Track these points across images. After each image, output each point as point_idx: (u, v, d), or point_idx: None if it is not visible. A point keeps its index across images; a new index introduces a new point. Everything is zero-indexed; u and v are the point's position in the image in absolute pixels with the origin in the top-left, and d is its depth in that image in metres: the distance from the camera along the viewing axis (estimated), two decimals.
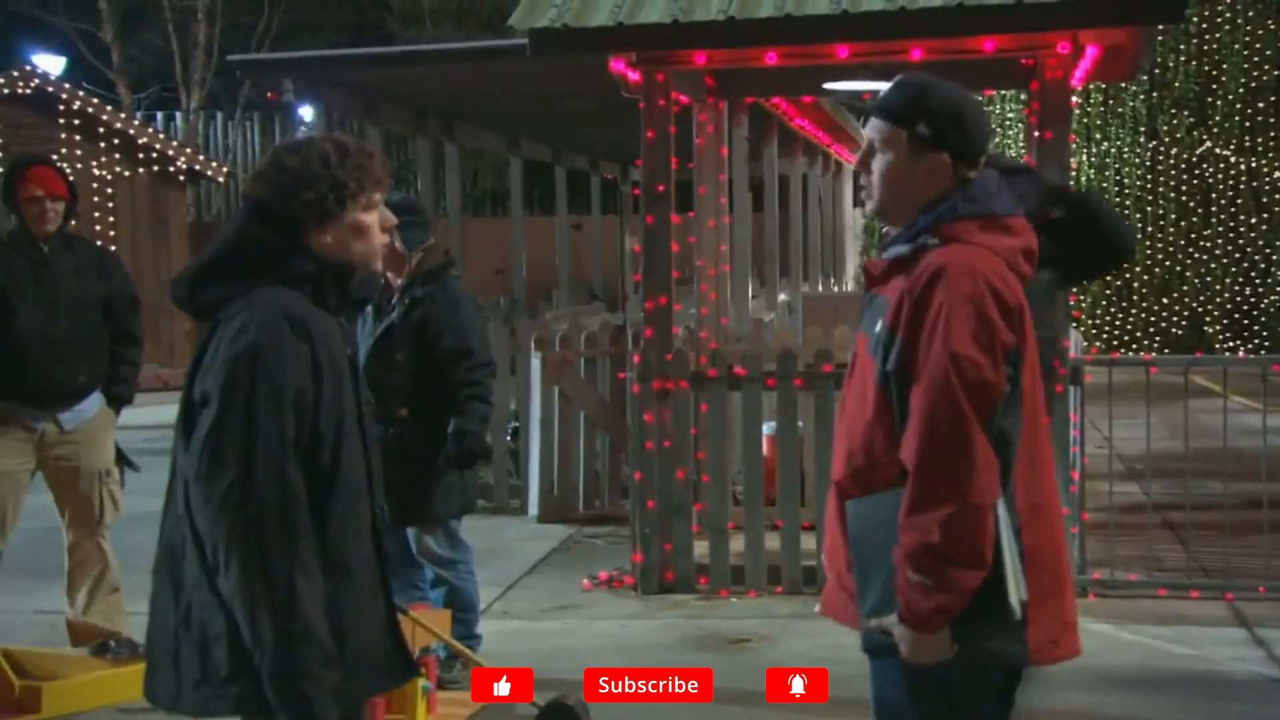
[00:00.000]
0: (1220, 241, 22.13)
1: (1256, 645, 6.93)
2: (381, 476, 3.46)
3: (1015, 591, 3.08)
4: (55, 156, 20.75)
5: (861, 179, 3.34)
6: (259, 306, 3.21)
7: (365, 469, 3.35)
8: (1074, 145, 19.65)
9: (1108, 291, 22.34)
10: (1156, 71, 21.83)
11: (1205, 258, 22.17)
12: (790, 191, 15.97)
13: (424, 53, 12.53)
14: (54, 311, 6.36)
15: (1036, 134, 7.87)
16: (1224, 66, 21.98)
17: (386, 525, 3.45)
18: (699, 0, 7.64)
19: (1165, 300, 22.25)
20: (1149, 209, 22.32)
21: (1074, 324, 15.34)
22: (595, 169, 19.89)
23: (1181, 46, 21.91)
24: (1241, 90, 21.95)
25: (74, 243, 6.59)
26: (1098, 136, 22.45)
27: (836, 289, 19.94)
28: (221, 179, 24.52)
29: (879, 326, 3.17)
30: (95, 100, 22.29)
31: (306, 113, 11.89)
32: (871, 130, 3.28)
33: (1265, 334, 21.93)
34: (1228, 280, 22.12)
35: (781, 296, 14.69)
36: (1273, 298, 22.00)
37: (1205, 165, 22.20)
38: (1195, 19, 21.53)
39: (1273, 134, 22.03)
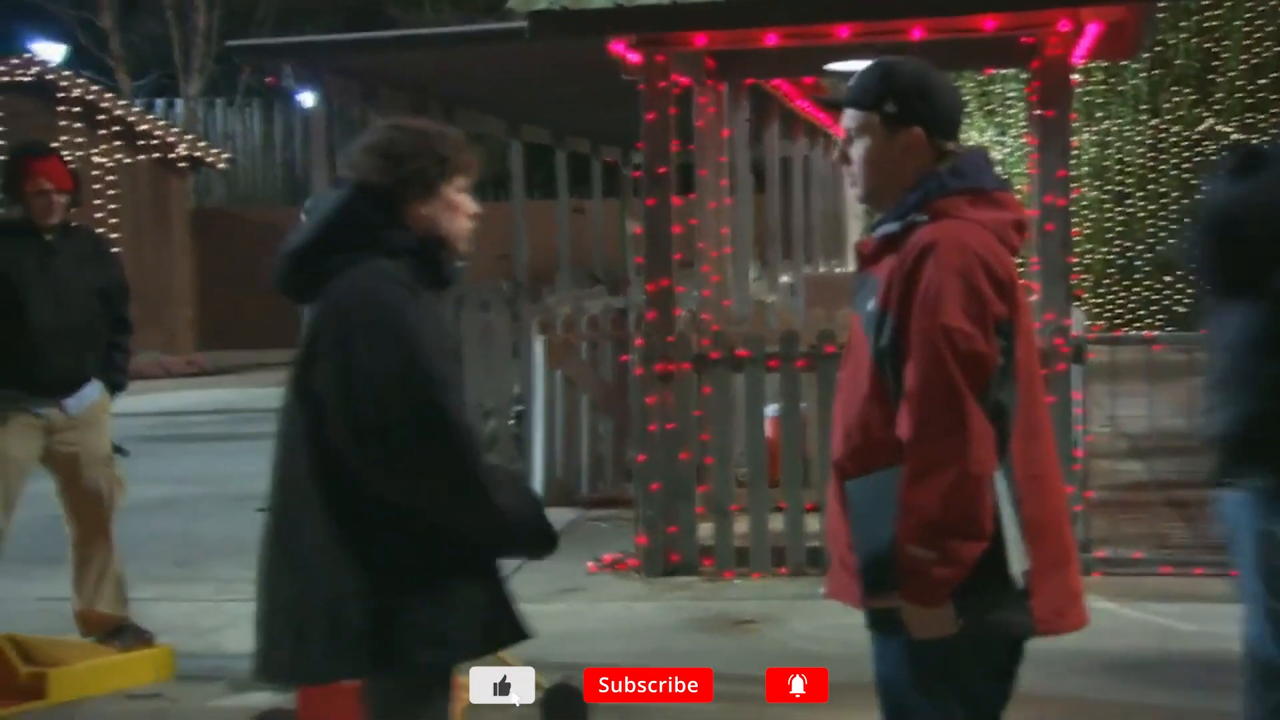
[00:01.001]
0: None
1: None
2: None
3: (1017, 562, 3.10)
4: (55, 144, 20.80)
5: (847, 172, 3.39)
6: (367, 272, 3.33)
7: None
8: (1075, 123, 19.62)
9: (1110, 269, 22.33)
10: (1158, 49, 21.76)
11: None
12: (792, 173, 15.94)
13: (424, 37, 12.52)
14: (60, 300, 6.37)
15: (1037, 112, 7.86)
16: (1225, 43, 21.93)
17: None
18: None
19: (1168, 278, 22.23)
20: (1150, 186, 22.28)
21: (1076, 302, 15.33)
22: (596, 152, 19.85)
23: (1182, 23, 21.84)
24: (1243, 67, 21.90)
25: (73, 231, 6.59)
26: (1099, 114, 22.40)
27: (839, 270, 19.90)
28: (222, 165, 24.51)
29: (871, 304, 3.20)
30: (95, 88, 22.30)
31: (306, 98, 11.86)
32: (846, 122, 3.33)
33: None
34: None
35: (784, 278, 14.67)
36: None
37: (1207, 142, 22.15)
38: None
39: (1274, 111, 21.97)
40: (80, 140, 21.26)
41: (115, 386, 6.63)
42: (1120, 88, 22.32)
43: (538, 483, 10.28)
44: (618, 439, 10.26)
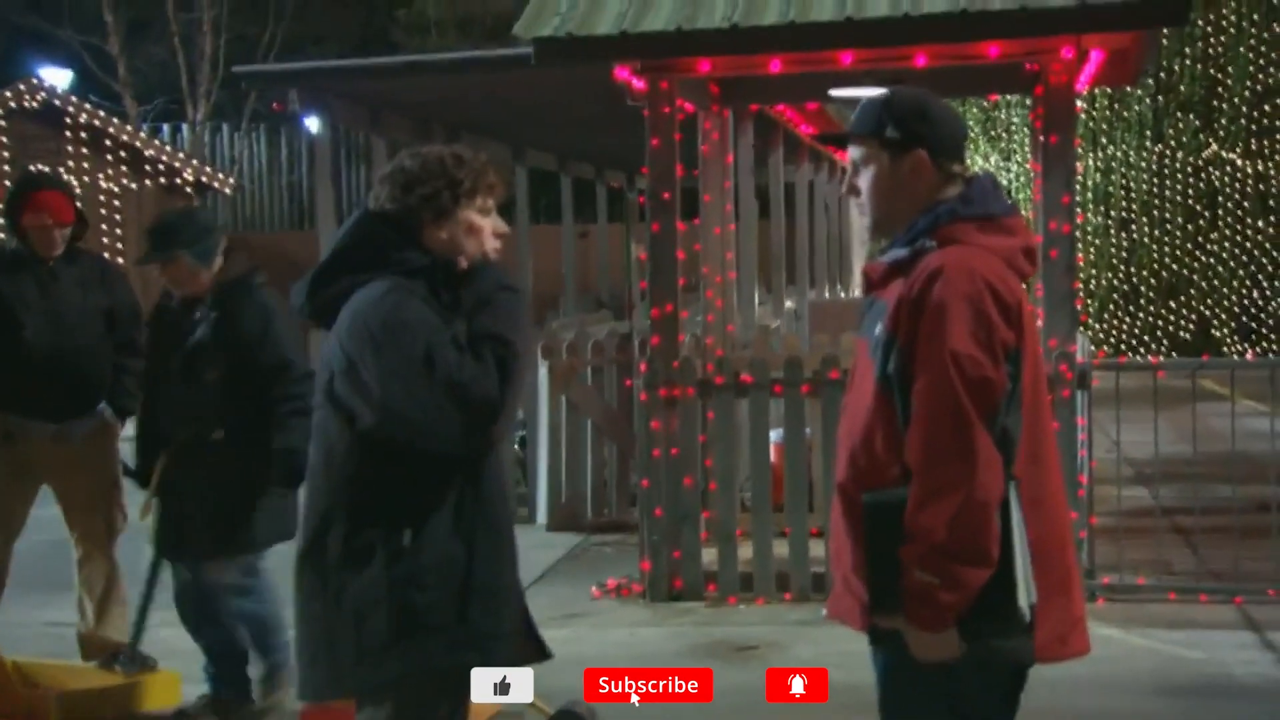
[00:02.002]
0: (1227, 245, 22.11)
1: (1267, 649, 6.92)
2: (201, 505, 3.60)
3: (1025, 595, 3.09)
4: (62, 169, 20.88)
5: (854, 203, 3.42)
6: (378, 284, 3.41)
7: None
8: (1080, 150, 19.66)
9: (1115, 295, 22.33)
10: (1162, 75, 21.81)
11: (1212, 261, 22.15)
12: (796, 198, 15.96)
13: (429, 63, 12.52)
14: (60, 324, 6.36)
15: (1042, 139, 7.87)
16: (1229, 70, 21.96)
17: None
18: (703, 8, 7.65)
19: (1173, 304, 22.23)
20: (1155, 213, 22.31)
21: (1081, 328, 15.34)
22: (601, 177, 19.89)
23: (1186, 50, 21.89)
24: (1247, 94, 21.93)
25: (77, 255, 6.56)
26: (1103, 141, 22.44)
27: (843, 296, 19.91)
28: (228, 190, 24.55)
29: (879, 329, 3.21)
30: (102, 113, 22.35)
31: (312, 123, 11.89)
32: (852, 154, 3.37)
33: (1273, 337, 21.91)
34: (1235, 283, 22.10)
35: (788, 303, 14.68)
36: None
37: (1211, 169, 22.18)
38: (1200, 22, 21.51)
39: (1279, 137, 22.00)
40: (87, 165, 21.32)
41: (123, 410, 6.61)
42: (1124, 114, 22.36)
43: (542, 507, 10.29)
44: (622, 464, 10.26)
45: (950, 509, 3.01)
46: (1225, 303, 22.08)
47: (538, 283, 16.82)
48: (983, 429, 3.04)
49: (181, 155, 23.60)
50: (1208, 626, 7.24)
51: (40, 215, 6.32)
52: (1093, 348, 20.01)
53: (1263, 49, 21.87)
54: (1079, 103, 8.40)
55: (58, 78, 22.92)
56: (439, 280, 3.48)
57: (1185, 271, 22.20)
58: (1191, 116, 22.17)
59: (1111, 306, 22.39)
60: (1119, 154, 22.43)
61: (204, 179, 22.92)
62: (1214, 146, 22.19)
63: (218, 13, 30.87)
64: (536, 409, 10.39)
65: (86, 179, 20.78)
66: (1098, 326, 22.25)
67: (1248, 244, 22.11)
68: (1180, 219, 22.24)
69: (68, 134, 21.30)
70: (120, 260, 19.48)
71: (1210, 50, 22.02)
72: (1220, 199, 22.17)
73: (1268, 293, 22.05)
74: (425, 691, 3.46)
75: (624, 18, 7.63)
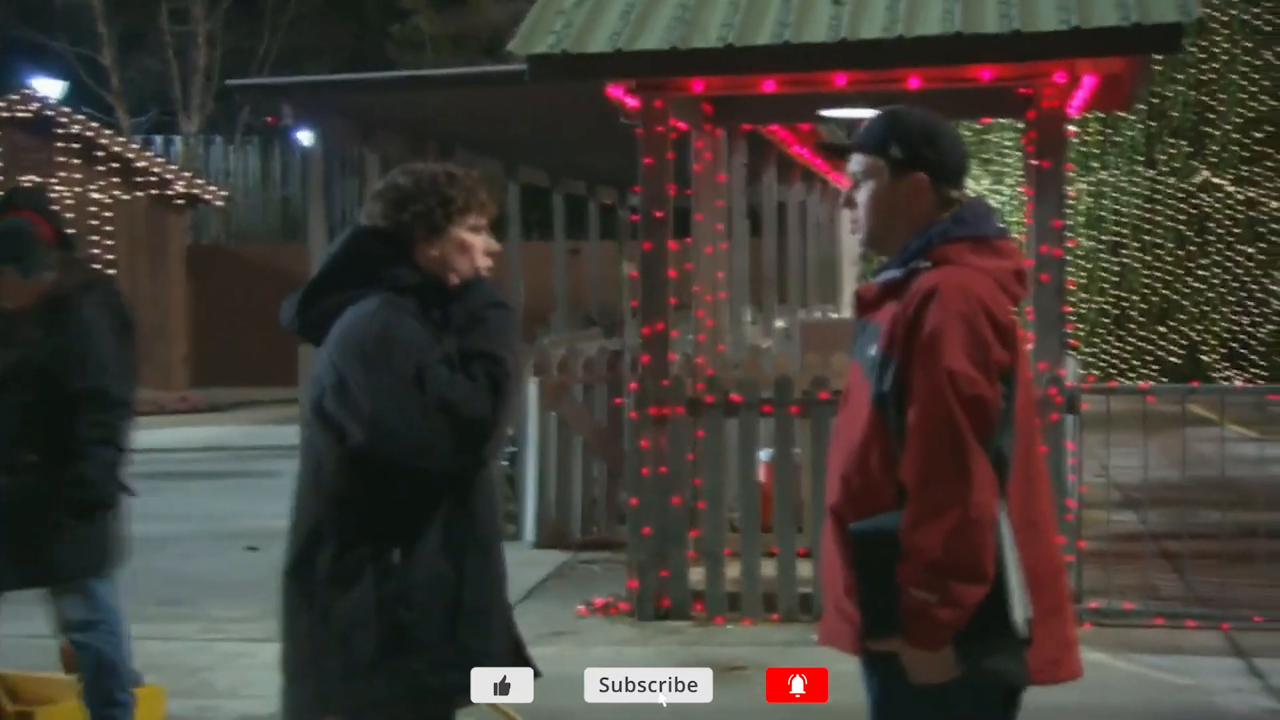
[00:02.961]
0: (1217, 270, 22.16)
1: (1253, 675, 6.91)
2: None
3: (1020, 610, 3.09)
4: (54, 180, 20.86)
5: (849, 215, 3.41)
6: (370, 300, 3.40)
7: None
8: (1071, 174, 19.70)
9: (1104, 319, 22.36)
10: (1154, 101, 21.87)
11: (1202, 286, 22.19)
12: (788, 218, 15.98)
13: (423, 78, 12.56)
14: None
15: (1033, 162, 7.89)
16: (1221, 96, 22.04)
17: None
18: (697, 27, 7.66)
19: (1162, 329, 22.26)
20: (1146, 238, 22.35)
21: (1070, 352, 15.36)
22: (593, 195, 19.92)
23: (1179, 76, 21.96)
24: (1239, 120, 22.00)
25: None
26: (1095, 165, 22.49)
27: (834, 316, 19.92)
28: (220, 202, 24.55)
29: (873, 350, 3.21)
30: (94, 124, 22.37)
31: (305, 137, 11.89)
32: (852, 165, 3.36)
33: (1263, 363, 21.95)
34: (1225, 309, 22.14)
35: (779, 323, 14.69)
36: (1270, 327, 22.01)
37: (1203, 194, 22.24)
38: (1193, 49, 21.57)
39: (1270, 164, 22.07)
40: (78, 176, 21.32)
41: None
42: (1116, 139, 22.42)
43: (530, 524, 10.27)
44: (610, 482, 10.24)
45: (946, 526, 3.01)
46: (1215, 328, 22.12)
47: (529, 300, 16.82)
48: (978, 447, 3.05)
49: (173, 167, 23.62)
50: (1194, 652, 7.24)
51: None
52: (1082, 371, 20.04)
53: (1254, 76, 21.95)
54: (1070, 127, 8.40)
55: (50, 88, 22.94)
56: (430, 298, 3.48)
57: (1175, 296, 22.24)
58: (1183, 142, 22.23)
59: (1101, 330, 22.42)
60: (1110, 178, 22.48)
61: (195, 191, 22.93)
62: (1205, 172, 22.25)
63: (213, 26, 30.91)
64: (526, 425, 10.38)
65: (77, 190, 20.77)
66: (1087, 350, 22.28)
67: (1238, 269, 22.16)
68: (1170, 244, 22.29)
69: (59, 145, 21.31)
70: (110, 271, 19.45)
71: (1202, 76, 22.09)
72: (1211, 224, 22.22)
73: (1257, 318, 22.10)
74: (413, 710, 3.45)
75: (619, 36, 7.64)
